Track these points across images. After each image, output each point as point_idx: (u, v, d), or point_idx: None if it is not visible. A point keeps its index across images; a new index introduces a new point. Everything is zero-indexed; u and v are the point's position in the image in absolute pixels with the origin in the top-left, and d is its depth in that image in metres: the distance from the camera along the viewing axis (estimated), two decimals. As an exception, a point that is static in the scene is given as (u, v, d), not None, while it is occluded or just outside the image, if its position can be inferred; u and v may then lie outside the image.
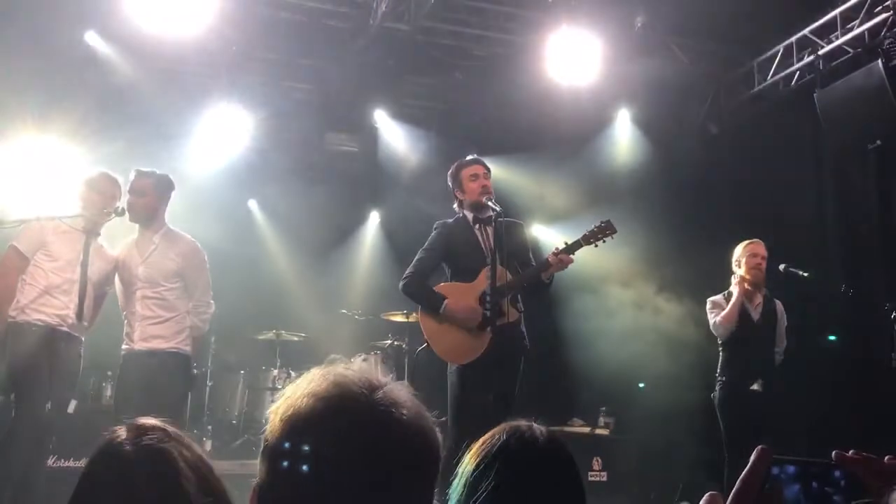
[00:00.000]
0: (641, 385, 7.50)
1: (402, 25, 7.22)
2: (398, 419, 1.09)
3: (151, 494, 1.47)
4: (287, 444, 1.06)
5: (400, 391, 1.13)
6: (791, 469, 0.94)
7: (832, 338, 5.70)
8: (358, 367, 1.14)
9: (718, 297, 5.63)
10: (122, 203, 4.93)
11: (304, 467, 1.04)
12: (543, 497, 1.55)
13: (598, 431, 7.59)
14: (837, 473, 0.95)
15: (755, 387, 5.34)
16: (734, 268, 5.62)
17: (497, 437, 1.60)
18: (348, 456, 1.04)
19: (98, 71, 7.27)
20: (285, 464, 1.06)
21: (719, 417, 5.42)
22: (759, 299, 5.54)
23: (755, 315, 5.51)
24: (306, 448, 1.05)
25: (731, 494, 0.89)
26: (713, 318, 5.56)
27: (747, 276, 5.49)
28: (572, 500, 1.59)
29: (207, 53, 7.52)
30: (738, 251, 5.63)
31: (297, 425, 1.06)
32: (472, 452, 1.61)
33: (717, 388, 5.52)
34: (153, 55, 7.50)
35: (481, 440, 1.62)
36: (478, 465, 1.56)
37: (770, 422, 5.21)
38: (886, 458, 0.92)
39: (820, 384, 6.15)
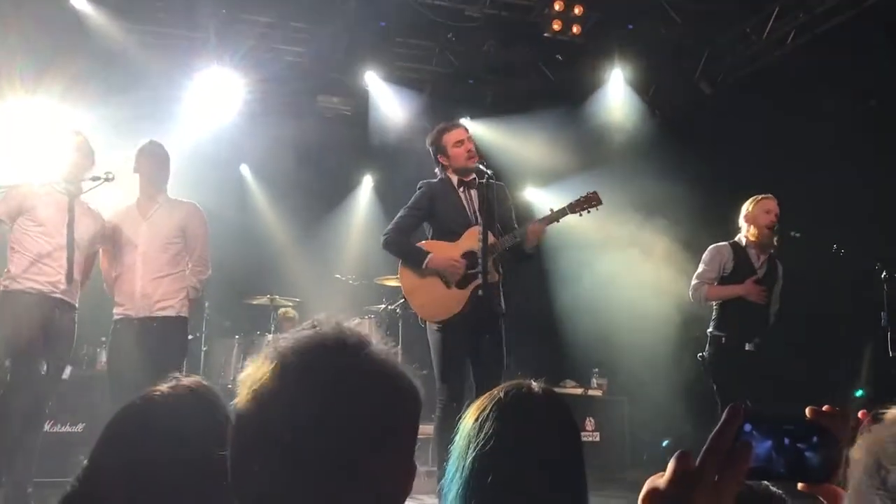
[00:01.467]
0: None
1: (393, -14, 7.13)
2: (371, 379, 1.08)
3: (189, 432, 1.47)
4: (256, 411, 1.05)
5: (378, 350, 1.12)
6: (764, 426, 0.94)
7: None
8: (330, 326, 1.13)
9: (723, 246, 5.46)
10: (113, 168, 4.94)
11: (273, 434, 1.03)
12: (541, 443, 1.58)
13: (591, 392, 7.66)
14: (810, 429, 0.95)
15: (749, 346, 5.30)
16: (742, 222, 5.46)
17: (496, 393, 1.63)
18: (323, 424, 1.03)
19: (85, 35, 7.17)
20: (254, 431, 1.06)
21: (712, 377, 5.37)
22: (764, 257, 5.42)
23: (760, 272, 5.38)
24: (279, 419, 1.04)
25: (702, 451, 0.89)
26: (701, 277, 5.42)
27: (760, 235, 5.33)
28: (569, 447, 1.62)
29: (196, 16, 7.42)
30: (750, 207, 5.43)
31: (264, 395, 1.05)
32: (472, 408, 1.64)
33: (709, 345, 5.42)
34: (140, 18, 7.41)
35: (482, 401, 1.65)
36: (477, 419, 1.59)
37: (763, 381, 5.21)
38: (860, 412, 0.92)
39: (813, 344, 6.20)
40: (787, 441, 0.94)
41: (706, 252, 5.54)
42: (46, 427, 5.68)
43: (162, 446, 1.42)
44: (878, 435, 0.74)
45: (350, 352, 1.09)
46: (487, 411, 1.59)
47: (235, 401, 1.09)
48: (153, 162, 5.07)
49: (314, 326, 1.13)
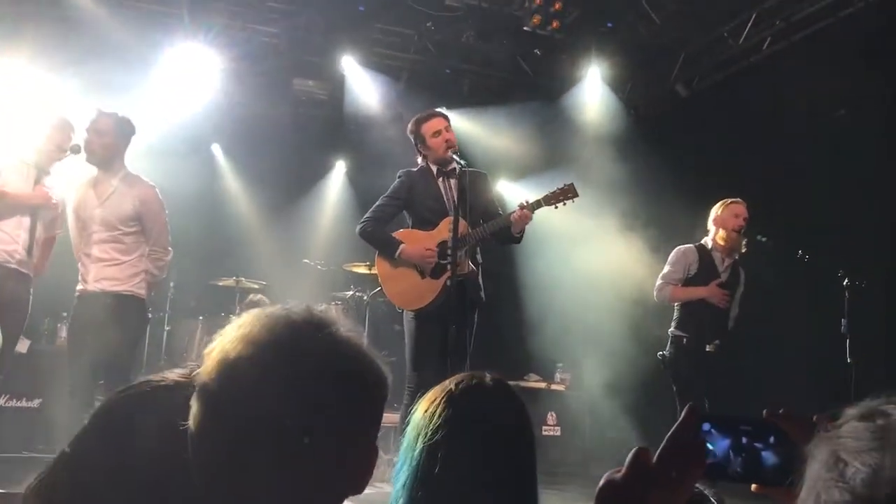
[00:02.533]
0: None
1: (374, -29, 7.08)
2: (338, 361, 1.08)
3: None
4: (219, 389, 1.04)
5: (346, 332, 1.12)
6: (722, 425, 0.96)
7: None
8: (300, 308, 1.12)
9: (688, 248, 5.50)
10: (80, 141, 4.84)
11: (237, 412, 1.03)
12: (490, 435, 1.58)
13: (554, 387, 7.71)
14: (767, 430, 0.97)
15: (709, 348, 5.35)
16: (710, 225, 5.49)
17: (447, 384, 1.63)
18: (283, 400, 1.02)
19: (56, 5, 7.02)
20: (218, 403, 1.05)
21: (671, 376, 5.45)
22: (728, 261, 5.47)
23: (724, 276, 5.43)
24: (239, 392, 1.03)
25: (659, 448, 0.91)
26: (665, 277, 5.47)
27: (728, 239, 5.36)
28: (520, 438, 1.62)
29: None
30: (719, 210, 5.45)
31: (229, 369, 1.04)
32: (424, 402, 1.63)
33: (670, 345, 5.48)
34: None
35: (435, 391, 1.65)
36: (427, 409, 1.58)
37: (722, 383, 5.28)
38: (814, 416, 0.94)
39: (773, 348, 6.29)
40: (744, 440, 0.96)
41: (672, 253, 5.60)
42: (2, 402, 5.61)
43: (158, 439, 1.37)
44: (836, 430, 0.77)
45: (319, 330, 1.09)
46: (437, 402, 1.59)
47: (199, 372, 1.08)
48: (100, 143, 4.80)
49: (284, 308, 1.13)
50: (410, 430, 1.59)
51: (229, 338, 1.07)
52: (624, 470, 0.91)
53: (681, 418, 0.92)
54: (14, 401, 5.72)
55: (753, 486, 1.00)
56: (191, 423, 1.07)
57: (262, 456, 1.01)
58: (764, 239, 5.36)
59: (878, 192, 6.03)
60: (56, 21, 7.04)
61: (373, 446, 1.13)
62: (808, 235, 5.76)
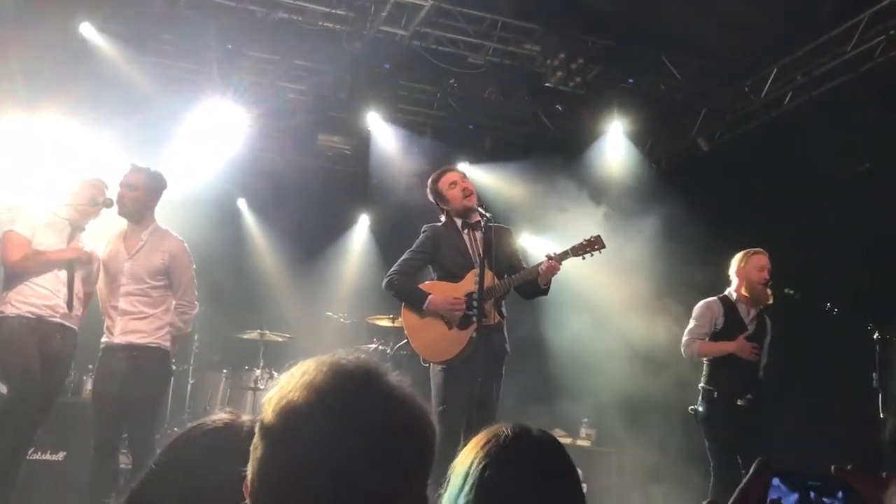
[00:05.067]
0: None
1: (399, 30, 7.23)
2: (398, 410, 1.09)
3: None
4: (282, 435, 1.05)
5: (397, 381, 1.13)
6: (790, 480, 0.96)
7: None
8: (355, 357, 1.13)
9: (713, 301, 5.45)
10: (112, 195, 4.93)
11: (300, 458, 1.03)
12: (545, 493, 1.56)
13: (580, 443, 7.61)
14: (835, 485, 0.97)
15: (741, 402, 5.27)
16: (732, 276, 5.45)
17: (499, 435, 1.61)
18: (346, 448, 1.03)
19: (89, 61, 7.21)
20: (280, 454, 1.05)
21: (704, 431, 5.36)
22: (754, 311, 5.42)
23: (750, 328, 5.37)
24: (303, 439, 1.04)
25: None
26: (692, 333, 5.42)
27: (752, 291, 5.32)
28: (571, 484, 1.61)
29: (200, 50, 7.48)
30: (741, 261, 5.40)
31: (293, 416, 1.05)
32: (470, 450, 1.61)
33: (701, 399, 5.40)
34: (146, 49, 7.46)
35: (480, 439, 1.63)
36: (481, 463, 1.56)
37: (754, 437, 5.17)
38: (885, 473, 0.94)
39: (802, 401, 6.18)
40: (812, 495, 0.96)
41: (696, 308, 5.54)
42: (28, 454, 5.60)
43: (216, 475, 1.38)
44: None
45: (377, 380, 1.11)
46: (490, 456, 1.56)
47: (260, 418, 1.09)
48: (132, 196, 4.88)
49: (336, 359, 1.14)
50: (459, 481, 1.57)
51: (291, 384, 1.08)
52: None
53: (751, 473, 0.93)
54: (38, 454, 5.71)
55: None
56: (252, 465, 1.07)
57: (322, 500, 1.02)
58: (791, 292, 5.31)
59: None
60: (91, 78, 7.22)
61: (424, 494, 1.14)
62: (834, 288, 5.70)
